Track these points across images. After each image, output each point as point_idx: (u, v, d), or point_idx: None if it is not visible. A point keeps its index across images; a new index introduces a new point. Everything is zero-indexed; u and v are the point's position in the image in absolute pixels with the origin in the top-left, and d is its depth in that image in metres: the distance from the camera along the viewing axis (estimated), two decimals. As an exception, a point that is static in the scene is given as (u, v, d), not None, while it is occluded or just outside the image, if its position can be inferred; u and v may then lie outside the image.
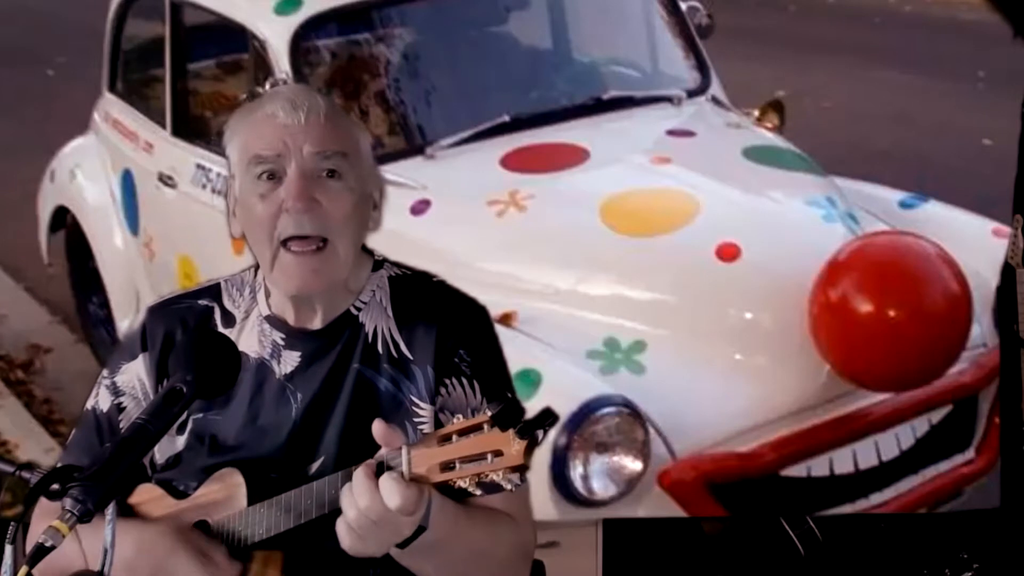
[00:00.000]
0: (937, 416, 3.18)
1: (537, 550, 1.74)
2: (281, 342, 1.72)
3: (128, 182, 4.39)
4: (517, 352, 1.98)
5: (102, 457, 1.40)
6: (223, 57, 4.41)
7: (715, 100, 3.93)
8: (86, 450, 1.72)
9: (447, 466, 1.36)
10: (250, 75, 3.87)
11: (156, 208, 4.22)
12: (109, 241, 4.55)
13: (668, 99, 3.85)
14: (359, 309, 1.73)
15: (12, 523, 1.34)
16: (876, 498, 3.09)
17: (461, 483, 1.36)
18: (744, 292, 3.05)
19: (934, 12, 9.12)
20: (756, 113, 3.88)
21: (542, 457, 2.68)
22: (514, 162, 3.48)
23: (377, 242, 1.79)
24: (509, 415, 1.32)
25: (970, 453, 3.26)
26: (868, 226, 3.31)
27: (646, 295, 3.08)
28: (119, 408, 1.76)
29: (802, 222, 3.26)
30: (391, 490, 1.38)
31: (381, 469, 1.41)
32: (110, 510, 1.38)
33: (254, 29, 3.76)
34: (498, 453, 1.33)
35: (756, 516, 3.02)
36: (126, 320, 4.39)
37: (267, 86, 1.78)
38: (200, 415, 1.71)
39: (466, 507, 1.52)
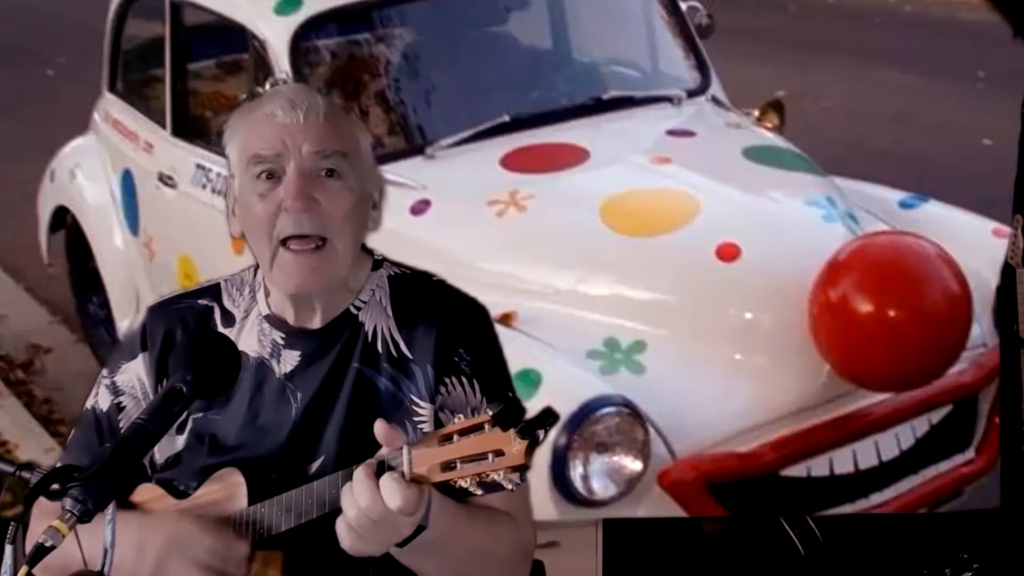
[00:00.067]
0: (937, 416, 3.18)
1: (537, 550, 1.74)
2: (281, 341, 1.72)
3: (128, 182, 4.39)
4: (517, 352, 1.98)
5: (102, 457, 1.40)
6: (223, 57, 4.41)
7: (715, 100, 3.93)
8: (86, 450, 1.72)
9: (448, 466, 1.36)
10: (250, 75, 3.87)
11: (156, 208, 4.22)
12: (109, 241, 4.55)
13: (668, 99, 3.85)
14: (359, 308, 1.73)
15: (12, 523, 1.34)
16: (876, 498, 3.10)
17: (462, 483, 1.36)
18: (744, 292, 3.05)
19: (934, 12, 9.11)
20: (756, 113, 3.88)
21: (542, 457, 2.68)
22: (514, 162, 3.48)
23: (377, 242, 1.79)
24: (510, 415, 1.32)
25: (970, 453, 3.26)
26: (868, 226, 3.31)
27: (646, 295, 3.08)
28: (119, 408, 1.75)
29: (802, 222, 3.26)
30: (392, 490, 1.38)
31: (382, 469, 1.41)
32: (110, 510, 1.38)
33: (254, 29, 3.76)
34: (499, 453, 1.33)
35: (756, 516, 3.02)
36: (126, 320, 4.39)
37: (267, 86, 1.78)
38: (200, 415, 1.71)
39: (466, 506, 1.52)
